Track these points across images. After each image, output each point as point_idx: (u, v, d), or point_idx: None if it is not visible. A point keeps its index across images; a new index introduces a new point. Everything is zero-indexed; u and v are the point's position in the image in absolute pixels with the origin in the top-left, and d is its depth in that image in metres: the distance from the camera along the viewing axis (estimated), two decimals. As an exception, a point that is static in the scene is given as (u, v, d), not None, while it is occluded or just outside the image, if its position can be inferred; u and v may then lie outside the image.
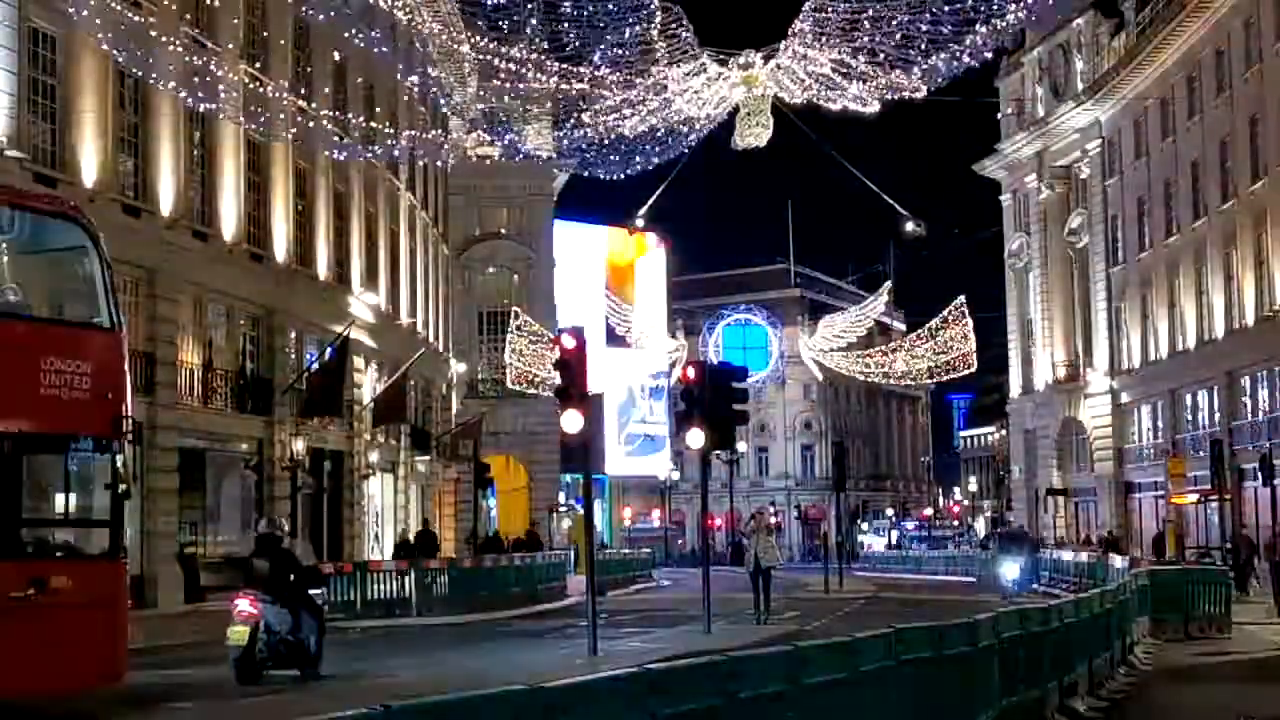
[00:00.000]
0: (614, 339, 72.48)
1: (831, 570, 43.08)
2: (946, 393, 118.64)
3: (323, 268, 37.67)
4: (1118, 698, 16.10)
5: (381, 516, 42.15)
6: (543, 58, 33.53)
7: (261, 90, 31.86)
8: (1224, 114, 46.14)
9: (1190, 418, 49.93)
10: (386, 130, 38.51)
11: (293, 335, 35.71)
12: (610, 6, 31.35)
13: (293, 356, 35.48)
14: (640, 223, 60.18)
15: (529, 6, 30.64)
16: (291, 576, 16.47)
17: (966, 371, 59.06)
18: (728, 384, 23.99)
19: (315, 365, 35.00)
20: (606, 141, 38.77)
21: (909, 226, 51.69)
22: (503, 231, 63.54)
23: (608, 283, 75.02)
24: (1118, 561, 31.03)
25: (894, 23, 31.53)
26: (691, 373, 23.92)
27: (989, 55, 33.83)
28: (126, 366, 14.10)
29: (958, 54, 32.00)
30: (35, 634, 12.39)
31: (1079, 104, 56.89)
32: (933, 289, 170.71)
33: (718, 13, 42.96)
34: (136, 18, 26.35)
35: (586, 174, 44.31)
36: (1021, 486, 66.08)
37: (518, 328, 56.55)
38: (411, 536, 37.21)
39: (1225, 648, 22.32)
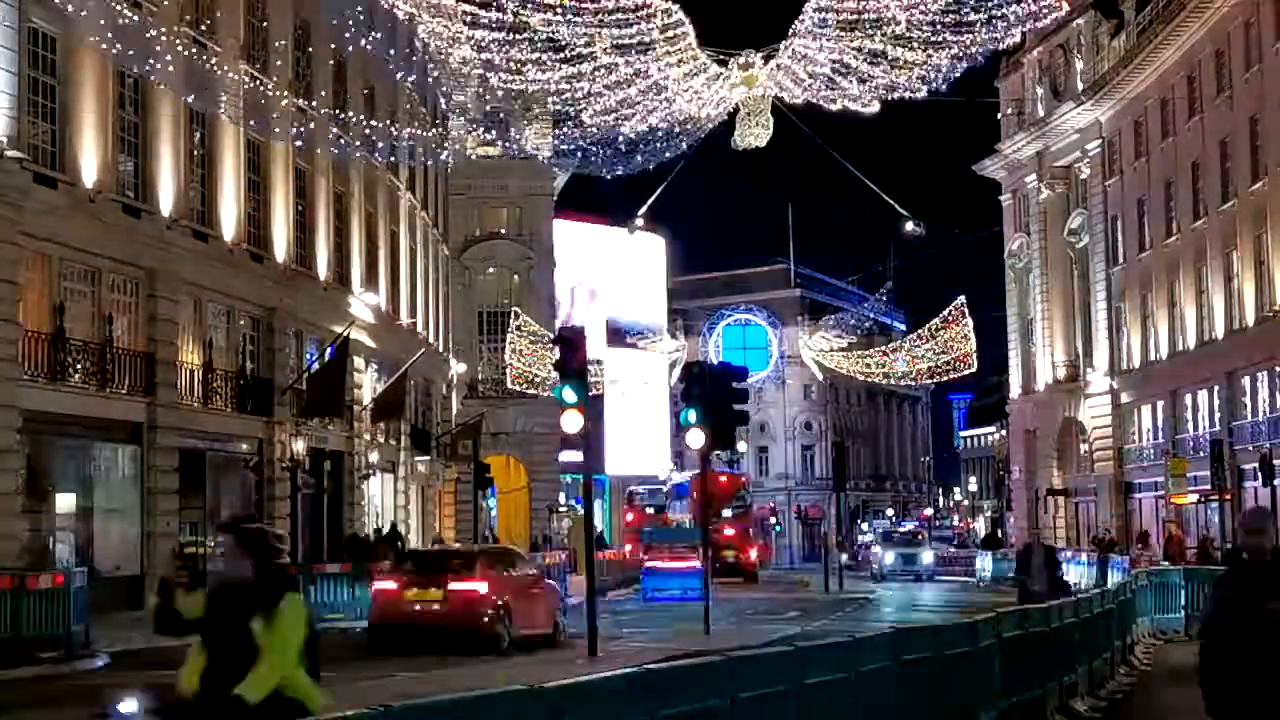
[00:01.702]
0: (614, 339, 72.42)
1: (831, 570, 43.13)
2: (946, 393, 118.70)
3: (323, 268, 37.67)
4: (1118, 698, 16.09)
5: (382, 517, 42.15)
6: (543, 58, 33.52)
7: (261, 90, 31.86)
8: (1224, 114, 46.12)
9: (1190, 418, 49.89)
10: (387, 130, 38.50)
11: (293, 335, 35.71)
12: (610, 6, 31.35)
13: (293, 356, 35.47)
14: (640, 223, 60.08)
15: (529, 6, 30.64)
16: None
17: (966, 371, 59.03)
18: (728, 384, 24.01)
19: (315, 365, 35.01)
20: (606, 141, 38.77)
21: (909, 226, 51.60)
22: (503, 231, 63.49)
23: (608, 282, 74.90)
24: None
25: (894, 22, 31.53)
26: (692, 373, 23.96)
27: (988, 55, 33.87)
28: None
29: (958, 54, 32.01)
30: None
31: (1079, 104, 56.85)
32: (933, 289, 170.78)
33: (718, 13, 42.90)
34: (136, 18, 26.35)
35: (586, 174, 44.30)
36: (1021, 486, 66.04)
37: (518, 328, 56.51)
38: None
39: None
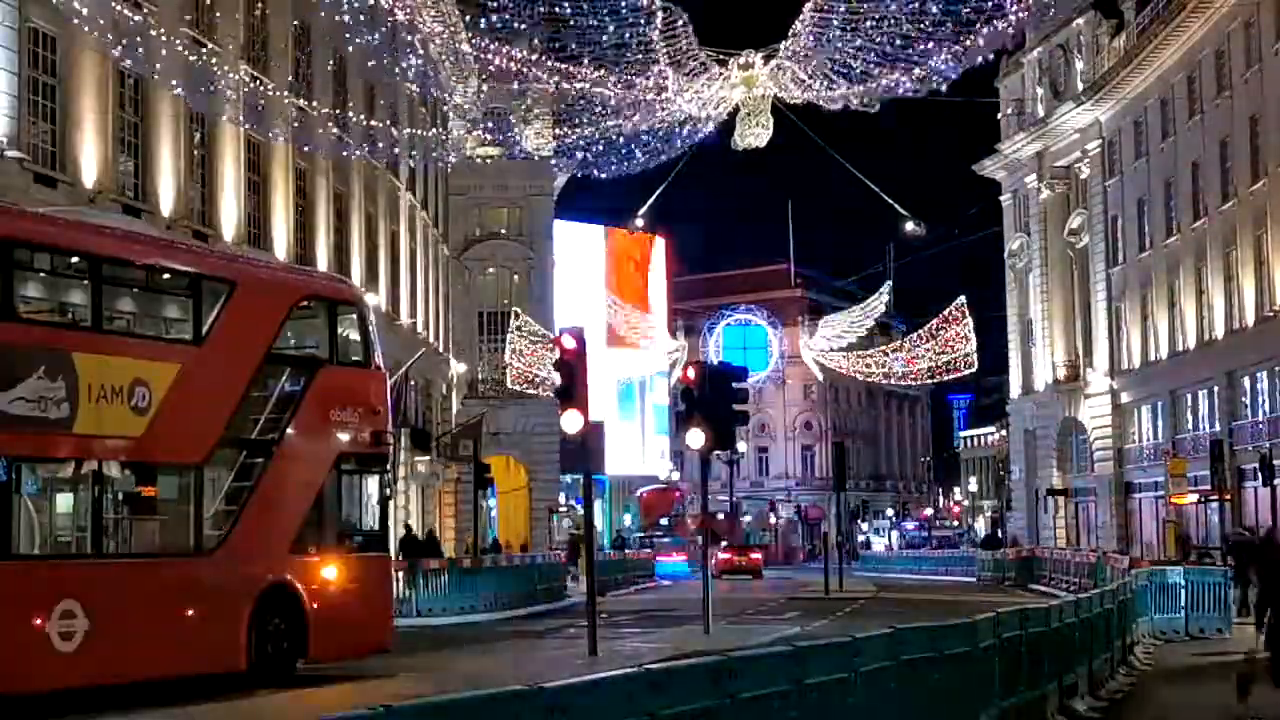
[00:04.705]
0: (614, 339, 72.48)
1: (831, 570, 43.11)
2: (946, 393, 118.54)
3: (323, 268, 37.63)
4: (1118, 698, 16.10)
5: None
6: (543, 58, 33.52)
7: (261, 90, 31.85)
8: (1224, 114, 46.13)
9: (1190, 418, 49.92)
10: (387, 130, 38.49)
11: (293, 335, 35.64)
12: (610, 7, 31.36)
13: (293, 356, 35.40)
14: (640, 223, 60.08)
15: (529, 6, 30.65)
16: None
17: (967, 372, 59.04)
18: (728, 384, 24.01)
19: (315, 365, 34.92)
20: (606, 141, 38.78)
21: (909, 226, 51.63)
22: (503, 231, 63.50)
23: (608, 282, 75.02)
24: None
25: (894, 23, 31.55)
26: (691, 373, 23.95)
27: (989, 56, 33.88)
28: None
29: (958, 54, 32.02)
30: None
31: (1079, 104, 56.87)
32: (933, 289, 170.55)
33: (718, 13, 42.96)
34: (136, 18, 26.34)
35: (586, 174, 44.30)
36: (1021, 486, 66.09)
37: (518, 328, 56.52)
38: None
39: (1225, 648, 22.32)
